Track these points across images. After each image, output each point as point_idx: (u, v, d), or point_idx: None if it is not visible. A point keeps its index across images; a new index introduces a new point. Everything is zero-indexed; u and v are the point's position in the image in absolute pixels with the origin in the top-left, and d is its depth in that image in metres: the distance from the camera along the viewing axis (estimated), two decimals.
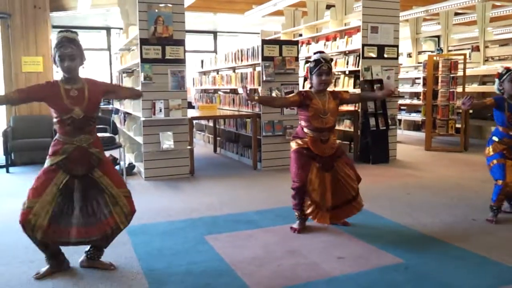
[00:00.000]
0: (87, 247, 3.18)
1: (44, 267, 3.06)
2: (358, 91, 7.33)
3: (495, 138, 4.08)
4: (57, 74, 3.07)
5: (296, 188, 3.83)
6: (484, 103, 4.18)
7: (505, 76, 4.04)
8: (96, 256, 3.19)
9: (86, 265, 3.18)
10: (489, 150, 4.11)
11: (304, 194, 3.82)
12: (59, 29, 3.01)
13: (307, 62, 3.95)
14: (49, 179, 2.94)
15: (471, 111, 8.60)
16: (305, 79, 3.97)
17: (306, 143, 3.80)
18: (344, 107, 7.79)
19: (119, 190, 3.08)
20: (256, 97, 4.02)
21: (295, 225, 3.94)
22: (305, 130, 3.82)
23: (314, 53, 3.89)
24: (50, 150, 3.00)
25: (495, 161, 4.04)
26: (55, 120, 2.97)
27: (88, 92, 3.00)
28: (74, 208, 2.99)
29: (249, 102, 7.03)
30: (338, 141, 4.25)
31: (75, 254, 3.23)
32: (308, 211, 3.86)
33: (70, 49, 2.90)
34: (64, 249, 3.12)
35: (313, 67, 3.75)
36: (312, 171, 3.79)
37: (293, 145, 3.92)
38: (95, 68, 11.56)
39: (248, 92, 3.81)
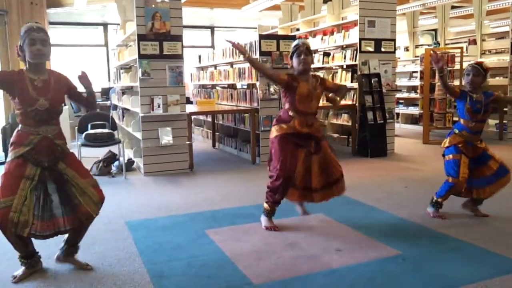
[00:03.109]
0: (61, 244, 3.17)
1: (20, 270, 2.98)
2: (355, 85, 7.37)
3: (455, 130, 4.03)
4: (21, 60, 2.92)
5: (282, 177, 3.65)
6: (453, 88, 4.08)
7: (465, 71, 3.98)
8: (71, 253, 3.16)
9: (62, 261, 3.16)
10: (446, 141, 4.05)
11: (290, 185, 3.71)
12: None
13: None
14: (20, 174, 2.85)
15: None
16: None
17: (292, 127, 3.71)
18: (342, 101, 7.81)
19: (85, 180, 3.04)
20: (247, 54, 3.80)
21: (268, 224, 3.82)
22: (291, 113, 3.73)
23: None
24: (14, 142, 2.90)
25: (451, 156, 3.96)
26: (18, 111, 2.88)
27: (54, 83, 2.93)
28: (52, 199, 2.94)
29: (247, 95, 7.06)
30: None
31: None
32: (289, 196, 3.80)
33: (42, 34, 2.84)
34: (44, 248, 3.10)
35: (292, 51, 3.75)
36: (299, 159, 3.71)
37: (276, 130, 3.77)
38: (92, 65, 11.54)
39: (237, 44, 3.69)
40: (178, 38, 6.06)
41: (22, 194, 2.82)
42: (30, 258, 3.00)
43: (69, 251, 3.16)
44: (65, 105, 8.87)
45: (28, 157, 2.88)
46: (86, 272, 3.05)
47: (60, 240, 3.20)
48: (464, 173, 3.88)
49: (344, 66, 7.93)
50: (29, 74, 2.87)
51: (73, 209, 2.98)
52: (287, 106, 3.77)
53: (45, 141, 2.92)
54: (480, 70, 3.86)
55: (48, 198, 2.94)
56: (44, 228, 2.90)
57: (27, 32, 2.84)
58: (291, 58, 3.78)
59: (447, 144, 4.02)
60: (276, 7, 10.47)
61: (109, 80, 11.43)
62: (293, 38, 6.91)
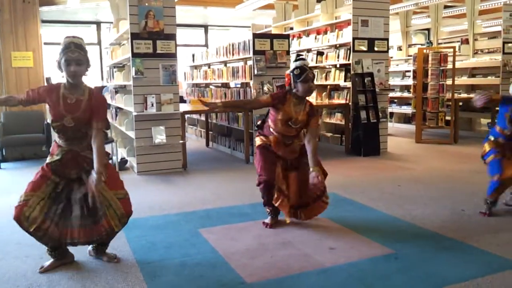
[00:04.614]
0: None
1: (48, 261, 3.09)
2: (349, 84, 7.40)
3: (491, 137, 4.09)
4: (61, 77, 2.99)
5: (264, 181, 3.73)
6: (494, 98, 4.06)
7: None
8: (101, 249, 3.26)
9: (93, 255, 3.27)
10: (485, 147, 4.10)
11: (272, 188, 3.74)
12: (66, 36, 2.95)
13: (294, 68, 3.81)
14: (47, 176, 3.00)
15: (460, 103, 8.68)
16: (288, 86, 3.80)
17: (270, 141, 3.80)
18: (335, 100, 7.85)
19: (113, 192, 3.08)
20: (219, 103, 3.83)
21: (267, 220, 3.92)
22: (271, 129, 3.80)
23: (295, 61, 3.77)
24: (51, 149, 3.09)
25: (492, 156, 4.01)
26: (51, 123, 2.99)
27: (87, 103, 2.94)
28: (73, 209, 3.03)
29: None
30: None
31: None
32: (276, 202, 3.77)
33: (77, 54, 2.86)
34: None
35: (299, 74, 3.64)
36: (278, 166, 3.79)
37: (258, 140, 3.90)
38: None
39: (206, 103, 3.71)
40: (172, 36, 6.05)
41: (42, 194, 2.95)
42: (54, 250, 3.07)
43: (99, 249, 3.26)
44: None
45: (55, 169, 2.99)
46: (78, 271, 3.05)
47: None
48: (508, 170, 3.89)
49: (338, 65, 7.95)
50: (64, 91, 2.95)
51: (96, 222, 3.05)
52: (269, 122, 3.81)
53: (71, 154, 3.01)
54: None
55: (69, 208, 3.03)
56: (56, 234, 2.99)
57: (63, 51, 2.87)
58: (295, 81, 3.66)
59: (487, 150, 4.08)
60: (269, 6, 10.47)
61: (102, 79, 11.39)
62: (287, 37, 6.92)
